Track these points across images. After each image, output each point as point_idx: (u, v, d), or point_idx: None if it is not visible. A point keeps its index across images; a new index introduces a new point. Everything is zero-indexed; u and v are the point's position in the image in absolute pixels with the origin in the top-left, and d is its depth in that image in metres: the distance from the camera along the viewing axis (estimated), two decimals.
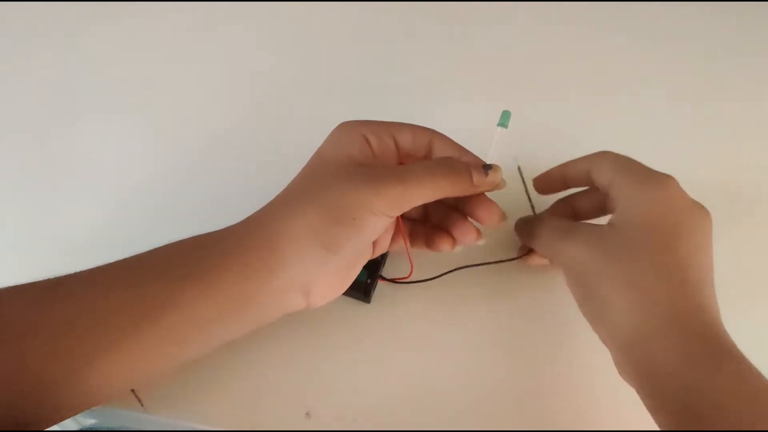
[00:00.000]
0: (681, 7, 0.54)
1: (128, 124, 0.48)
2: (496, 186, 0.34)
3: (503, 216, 0.35)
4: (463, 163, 0.33)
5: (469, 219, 0.36)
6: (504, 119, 0.35)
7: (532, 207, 0.38)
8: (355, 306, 0.39)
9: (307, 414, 0.36)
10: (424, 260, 0.38)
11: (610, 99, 0.50)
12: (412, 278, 0.39)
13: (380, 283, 0.40)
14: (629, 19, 0.54)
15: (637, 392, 0.31)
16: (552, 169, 0.38)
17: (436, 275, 0.39)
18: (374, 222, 0.31)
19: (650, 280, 0.30)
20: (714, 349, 0.29)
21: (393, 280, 0.40)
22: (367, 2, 0.54)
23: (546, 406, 0.37)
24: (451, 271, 0.39)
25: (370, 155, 0.34)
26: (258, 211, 0.33)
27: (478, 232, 0.36)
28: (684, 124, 0.49)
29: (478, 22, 0.54)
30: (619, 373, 0.32)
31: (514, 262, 0.39)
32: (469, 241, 0.36)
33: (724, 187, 0.43)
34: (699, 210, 0.32)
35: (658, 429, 0.30)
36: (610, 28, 0.54)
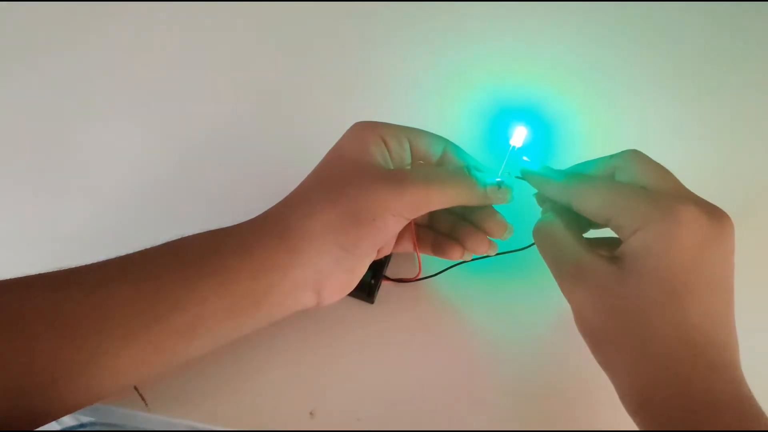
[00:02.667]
0: (682, 7, 0.55)
1: (131, 123, 0.48)
2: (506, 201, 0.35)
3: (511, 229, 0.36)
4: (479, 174, 0.34)
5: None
6: (518, 138, 0.35)
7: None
8: (359, 306, 0.39)
9: (311, 414, 0.36)
10: (426, 257, 0.39)
11: (608, 100, 0.50)
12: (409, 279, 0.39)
13: (384, 284, 0.40)
14: (628, 20, 0.55)
15: None
16: (534, 174, 0.35)
17: (440, 270, 0.39)
18: (393, 223, 0.32)
19: (657, 345, 0.28)
20: (722, 411, 0.27)
21: (399, 280, 0.40)
22: (369, 2, 0.54)
23: (552, 404, 0.37)
24: (454, 266, 0.39)
25: (387, 157, 0.33)
26: (274, 207, 0.33)
27: (491, 243, 0.36)
28: (683, 125, 0.49)
29: (479, 24, 0.54)
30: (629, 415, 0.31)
31: (520, 252, 0.39)
32: (482, 251, 0.36)
33: (723, 188, 0.43)
34: (717, 229, 0.29)
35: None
36: (610, 29, 0.54)
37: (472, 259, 0.38)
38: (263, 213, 0.33)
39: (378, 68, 0.51)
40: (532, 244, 0.36)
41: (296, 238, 0.31)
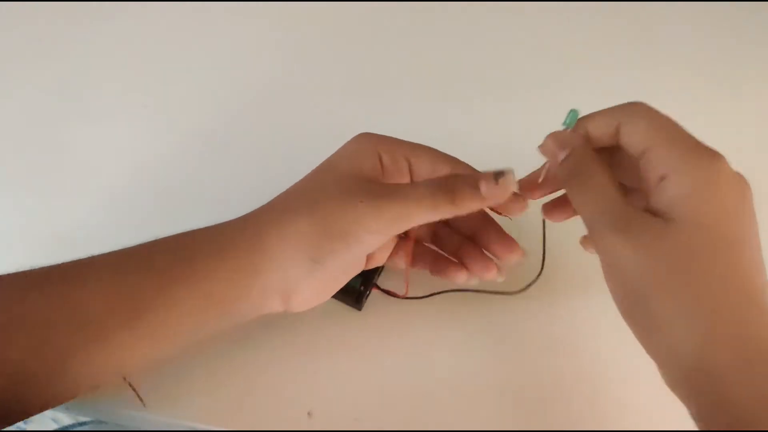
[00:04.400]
0: (684, 6, 0.55)
1: (131, 123, 0.48)
2: (509, 193, 0.30)
3: (522, 252, 0.34)
4: (470, 176, 0.30)
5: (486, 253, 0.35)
6: (571, 120, 0.31)
7: (543, 260, 0.35)
8: (347, 312, 0.39)
9: (309, 414, 0.36)
10: (419, 276, 0.38)
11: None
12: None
13: (374, 292, 0.40)
14: (633, 20, 0.54)
15: (688, 408, 0.28)
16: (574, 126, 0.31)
17: (428, 294, 0.38)
18: (368, 240, 0.31)
19: (718, 299, 0.26)
20: None
21: (388, 293, 0.39)
22: (372, 2, 0.54)
23: (542, 407, 0.37)
24: (444, 292, 0.38)
25: (380, 173, 0.32)
26: (256, 210, 0.33)
27: (498, 267, 0.35)
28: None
29: (481, 24, 0.54)
30: (668, 386, 0.28)
31: (511, 296, 0.37)
32: (489, 277, 0.35)
33: None
34: (747, 188, 0.28)
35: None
36: (612, 30, 0.54)
37: (465, 290, 0.36)
38: (244, 215, 0.33)
39: (383, 70, 0.51)
40: (527, 287, 0.35)
41: (266, 244, 0.30)
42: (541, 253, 0.36)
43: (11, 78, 0.50)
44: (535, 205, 0.34)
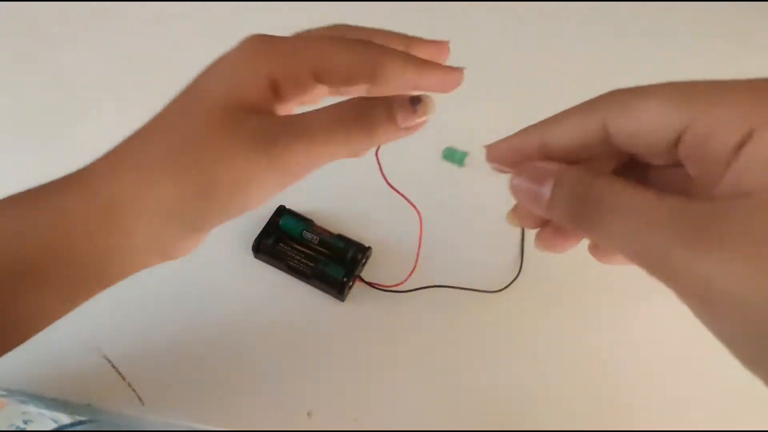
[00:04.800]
0: (684, 6, 0.55)
1: (127, 123, 0.48)
2: (427, 120, 0.24)
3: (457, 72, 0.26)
4: (383, 101, 0.24)
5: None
6: (456, 155, 0.25)
7: (521, 262, 0.38)
8: (329, 302, 0.39)
9: (309, 414, 0.36)
10: (403, 272, 0.38)
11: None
12: (390, 288, 0.39)
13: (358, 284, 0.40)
14: (633, 20, 0.54)
15: None
16: (518, 136, 0.23)
17: (414, 288, 0.39)
18: (259, 195, 0.24)
19: None
20: None
21: (371, 285, 0.39)
22: (372, 2, 0.54)
23: (530, 404, 0.37)
24: (429, 287, 0.39)
25: (270, 100, 0.24)
26: (101, 164, 0.26)
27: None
28: None
29: (481, 24, 0.54)
30: None
31: (492, 294, 0.39)
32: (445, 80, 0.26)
33: None
34: None
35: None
36: (611, 29, 0.54)
37: (449, 286, 0.37)
38: (85, 171, 0.26)
39: None
40: (507, 286, 0.37)
41: (129, 218, 0.24)
42: (520, 255, 0.41)
43: (11, 77, 0.50)
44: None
